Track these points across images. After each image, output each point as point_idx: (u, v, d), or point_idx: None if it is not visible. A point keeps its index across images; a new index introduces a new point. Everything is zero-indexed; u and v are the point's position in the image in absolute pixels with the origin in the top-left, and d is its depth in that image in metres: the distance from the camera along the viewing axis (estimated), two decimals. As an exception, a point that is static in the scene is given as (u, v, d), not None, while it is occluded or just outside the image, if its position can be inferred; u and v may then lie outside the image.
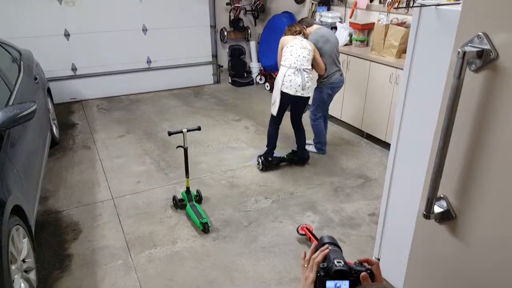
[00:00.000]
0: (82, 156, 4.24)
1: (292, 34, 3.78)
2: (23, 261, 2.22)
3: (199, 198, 3.38)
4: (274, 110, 3.77)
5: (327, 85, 3.95)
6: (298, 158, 4.02)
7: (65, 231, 3.05)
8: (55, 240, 2.94)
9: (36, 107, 2.71)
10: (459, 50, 0.91)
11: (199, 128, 3.26)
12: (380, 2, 4.67)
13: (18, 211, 2.22)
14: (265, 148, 3.98)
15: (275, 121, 3.86)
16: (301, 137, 3.96)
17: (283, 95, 3.64)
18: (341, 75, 4.01)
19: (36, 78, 3.81)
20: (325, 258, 1.04)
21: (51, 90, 4.57)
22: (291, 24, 4.03)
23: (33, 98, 3.34)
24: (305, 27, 3.93)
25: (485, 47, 0.91)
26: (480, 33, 0.92)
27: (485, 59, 0.91)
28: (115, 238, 2.97)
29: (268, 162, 3.93)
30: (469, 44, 0.94)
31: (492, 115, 0.95)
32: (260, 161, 3.93)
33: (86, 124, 5.09)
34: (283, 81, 3.61)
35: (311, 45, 3.71)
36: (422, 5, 1.70)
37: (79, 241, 2.93)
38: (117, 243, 2.92)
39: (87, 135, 4.74)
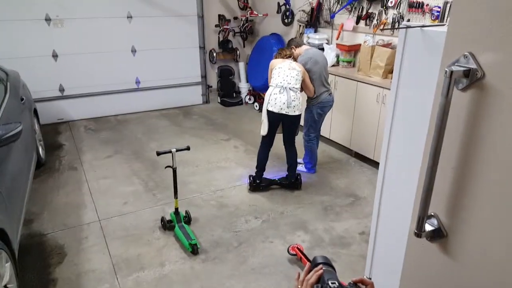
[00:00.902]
0: (68, 177, 4.16)
1: (282, 58, 3.84)
2: (5, 286, 2.14)
3: (188, 219, 3.33)
4: (263, 130, 3.77)
5: (316, 104, 3.99)
6: (289, 183, 3.94)
7: (50, 254, 2.96)
8: (39, 264, 2.85)
9: (22, 128, 2.67)
10: (446, 69, 0.93)
11: (188, 148, 3.25)
12: (366, 24, 4.79)
13: (1, 234, 2.15)
14: (255, 169, 3.94)
15: (266, 142, 3.83)
16: (292, 157, 3.91)
17: (269, 113, 3.66)
18: (330, 94, 4.04)
19: (22, 99, 3.76)
20: (319, 279, 1.03)
21: (38, 111, 4.52)
22: (282, 48, 4.09)
23: (19, 119, 3.29)
24: (294, 47, 3.99)
25: (472, 67, 0.93)
26: (467, 53, 0.94)
27: (472, 78, 0.93)
28: (102, 261, 2.89)
29: (256, 184, 3.89)
30: (456, 64, 0.96)
31: (480, 133, 0.96)
32: (249, 182, 3.91)
33: (73, 145, 5.03)
34: (268, 100, 3.65)
35: (300, 66, 3.75)
36: (407, 27, 1.75)
37: (64, 265, 2.84)
38: (104, 266, 2.84)
39: (74, 156, 4.67)
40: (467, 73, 0.93)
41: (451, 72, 0.92)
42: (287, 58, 3.83)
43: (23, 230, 3.10)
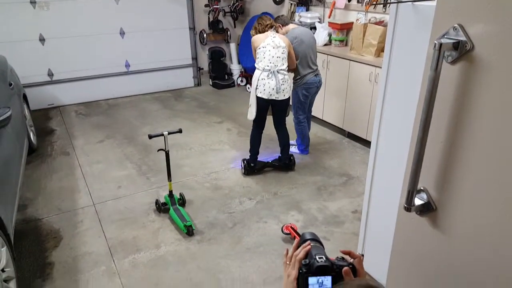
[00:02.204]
0: (61, 162, 4.14)
1: (263, 30, 3.63)
2: (3, 270, 2.15)
3: (182, 201, 3.34)
4: (251, 114, 3.68)
5: (301, 85, 3.92)
6: (283, 164, 3.94)
7: (46, 239, 2.97)
8: (35, 249, 2.86)
9: (11, 113, 2.65)
10: (435, 42, 0.93)
11: (180, 131, 3.23)
12: (358, 2, 4.73)
13: (-5, 220, 2.15)
14: (248, 152, 3.91)
15: (257, 125, 3.78)
16: (284, 138, 3.89)
17: (258, 99, 3.58)
18: (316, 75, 3.95)
19: (11, 84, 3.70)
20: (307, 254, 1.04)
21: (28, 96, 4.46)
22: (261, 17, 3.75)
23: (7, 104, 3.24)
24: (280, 25, 3.84)
25: (461, 39, 0.92)
26: (456, 25, 0.93)
27: (461, 50, 0.93)
28: (97, 244, 2.91)
29: (251, 168, 3.87)
30: (445, 36, 0.96)
31: (469, 106, 0.97)
32: (243, 166, 3.88)
33: (65, 130, 4.98)
34: (257, 85, 3.53)
35: (285, 40, 3.56)
36: (399, 2, 1.73)
37: (60, 249, 2.86)
38: (100, 249, 2.86)
39: (66, 141, 4.64)
40: (456, 45, 0.93)
41: (440, 44, 0.92)
42: (268, 29, 3.63)
43: (18, 215, 3.10)
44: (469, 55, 0.92)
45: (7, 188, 2.55)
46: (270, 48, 3.51)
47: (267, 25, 3.65)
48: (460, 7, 0.93)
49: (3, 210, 2.28)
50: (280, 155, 3.97)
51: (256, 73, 3.57)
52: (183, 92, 6.54)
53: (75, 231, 3.05)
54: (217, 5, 6.59)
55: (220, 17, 6.79)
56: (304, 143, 4.27)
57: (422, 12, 1.65)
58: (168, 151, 3.15)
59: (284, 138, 3.89)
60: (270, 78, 3.50)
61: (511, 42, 0.85)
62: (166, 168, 3.19)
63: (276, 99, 3.57)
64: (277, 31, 3.73)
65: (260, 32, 3.65)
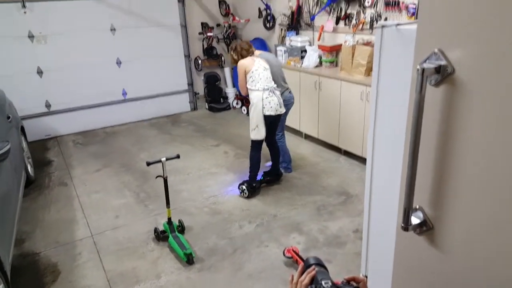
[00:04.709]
0: (58, 193, 4.13)
1: (249, 54, 3.81)
2: (-1, 309, 2.11)
3: (181, 228, 3.32)
4: (260, 135, 3.73)
5: None
6: (274, 177, 4.12)
7: (44, 273, 2.92)
8: (33, 285, 2.81)
9: (10, 147, 2.66)
10: (418, 67, 0.96)
11: (178, 156, 3.24)
12: (345, 24, 4.84)
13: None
14: (246, 173, 3.94)
15: (258, 146, 3.84)
16: (277, 153, 4.08)
17: (266, 117, 3.67)
18: (290, 92, 4.15)
19: (9, 117, 3.74)
20: (313, 279, 1.04)
21: (25, 128, 4.49)
22: (238, 43, 3.93)
23: (6, 137, 3.26)
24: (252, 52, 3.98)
25: (442, 63, 0.95)
26: (436, 50, 0.96)
27: (443, 73, 0.96)
28: (96, 277, 2.87)
29: (253, 188, 3.88)
30: (427, 61, 0.99)
31: (455, 126, 0.99)
32: (245, 188, 3.85)
33: (62, 160, 4.99)
34: (263, 105, 3.63)
35: (266, 64, 3.78)
36: (383, 26, 1.78)
37: (58, 283, 2.81)
38: (99, 282, 2.82)
39: (64, 172, 4.63)
40: (438, 69, 0.96)
41: (423, 69, 0.95)
42: (251, 55, 3.84)
43: (15, 250, 3.07)
44: (450, 78, 0.95)
45: (4, 224, 2.54)
46: (261, 70, 3.70)
47: (250, 51, 3.86)
48: (440, 33, 0.96)
49: None
50: (267, 170, 4.16)
51: (258, 94, 3.66)
52: (180, 117, 6.59)
53: (73, 264, 3.02)
54: (210, 33, 6.73)
55: (214, 44, 6.92)
56: (286, 160, 4.30)
57: (406, 35, 1.69)
58: (167, 177, 3.15)
59: (277, 153, 4.09)
60: (272, 96, 3.66)
61: (488, 65, 0.88)
62: (164, 194, 3.18)
63: (281, 113, 3.76)
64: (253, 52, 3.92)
65: (243, 57, 3.82)
